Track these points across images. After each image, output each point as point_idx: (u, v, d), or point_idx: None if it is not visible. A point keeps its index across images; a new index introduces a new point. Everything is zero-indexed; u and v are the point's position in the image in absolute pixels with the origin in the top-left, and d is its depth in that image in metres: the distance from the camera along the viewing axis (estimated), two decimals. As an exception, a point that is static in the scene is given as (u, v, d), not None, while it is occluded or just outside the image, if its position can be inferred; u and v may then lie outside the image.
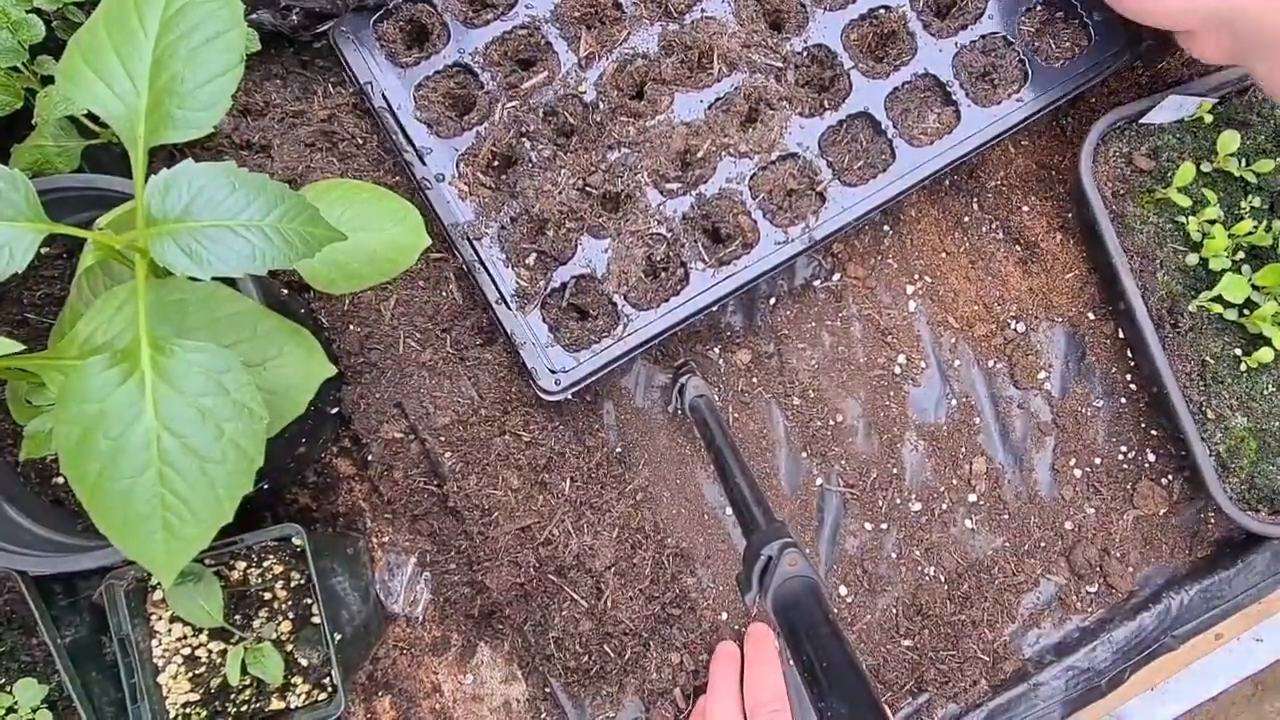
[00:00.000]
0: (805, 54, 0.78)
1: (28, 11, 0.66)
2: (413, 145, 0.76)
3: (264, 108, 0.80)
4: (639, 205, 0.75)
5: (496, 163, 0.78)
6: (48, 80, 0.68)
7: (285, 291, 0.76)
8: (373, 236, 0.60)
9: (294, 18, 0.77)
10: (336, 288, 0.60)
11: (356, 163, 0.80)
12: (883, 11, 0.78)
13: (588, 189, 0.75)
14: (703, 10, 0.77)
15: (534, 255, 0.75)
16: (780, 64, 0.77)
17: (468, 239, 0.75)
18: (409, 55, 0.78)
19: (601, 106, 0.76)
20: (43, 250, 0.69)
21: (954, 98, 0.77)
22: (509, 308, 0.74)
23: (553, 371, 0.74)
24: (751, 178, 0.76)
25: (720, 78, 0.77)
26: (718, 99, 0.77)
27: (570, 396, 0.75)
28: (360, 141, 0.80)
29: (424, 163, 0.76)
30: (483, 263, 0.75)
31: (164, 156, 0.74)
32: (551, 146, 0.76)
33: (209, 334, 0.52)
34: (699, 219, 0.76)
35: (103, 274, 0.58)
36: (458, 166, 0.76)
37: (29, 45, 0.66)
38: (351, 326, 0.79)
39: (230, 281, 0.56)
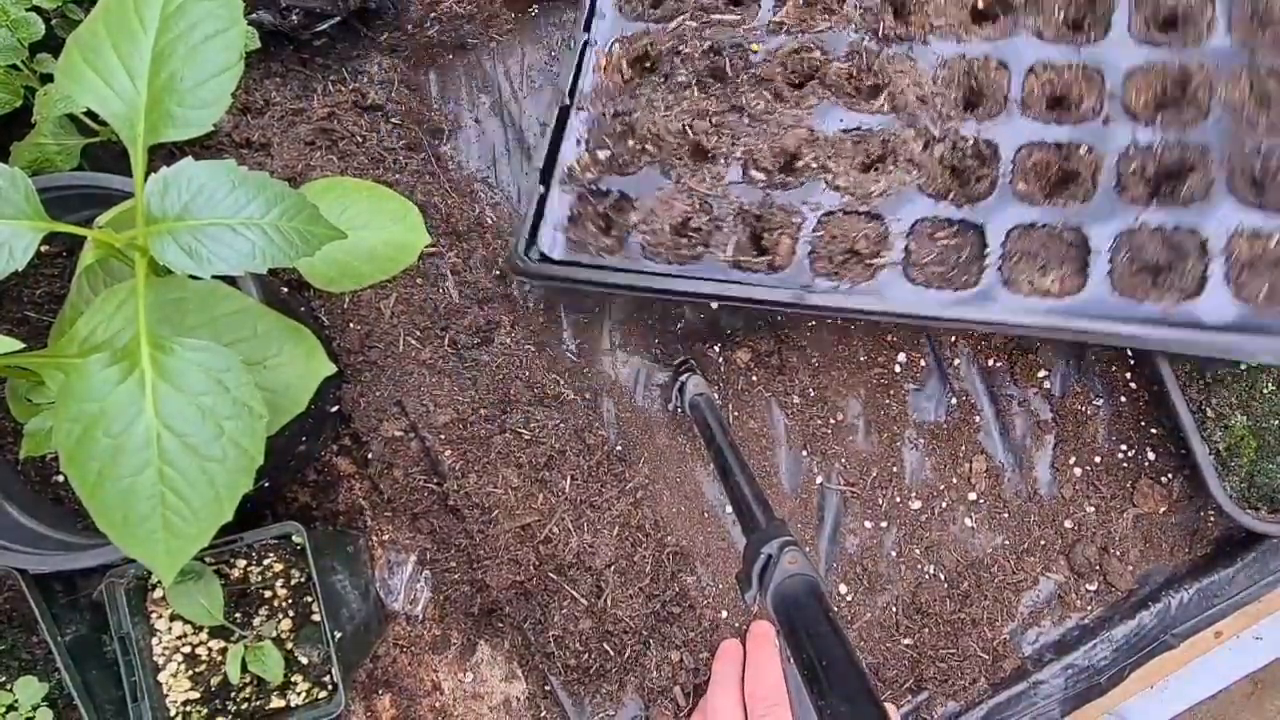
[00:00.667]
0: (972, 143, 0.71)
1: (27, 9, 0.66)
2: (593, 4, 0.77)
3: (264, 106, 0.80)
4: (715, 171, 0.73)
5: (648, 64, 0.78)
6: (47, 78, 0.69)
7: (285, 290, 0.76)
8: (373, 235, 0.60)
9: (294, 17, 0.77)
10: (336, 286, 0.60)
11: (356, 161, 0.80)
12: (1082, 152, 0.68)
13: (688, 129, 0.74)
14: (909, 50, 0.73)
15: (609, 152, 0.75)
16: (938, 135, 0.71)
17: (570, 103, 0.76)
18: None
19: (758, 72, 0.75)
20: (42, 249, 0.69)
21: (1089, 269, 0.65)
22: (542, 181, 0.75)
23: (539, 253, 0.73)
24: (828, 214, 0.70)
25: (875, 111, 0.72)
26: (858, 128, 0.72)
27: (533, 280, 0.74)
28: (360, 139, 0.80)
29: (591, 22, 0.77)
30: (562, 126, 0.75)
31: (164, 155, 0.74)
32: (693, 78, 0.75)
33: (209, 332, 0.52)
34: (753, 216, 0.72)
35: (103, 272, 0.58)
36: (613, 44, 0.76)
37: (28, 43, 0.66)
38: (351, 325, 0.79)
39: (230, 280, 0.56)
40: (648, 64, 0.78)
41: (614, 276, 0.73)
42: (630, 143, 0.75)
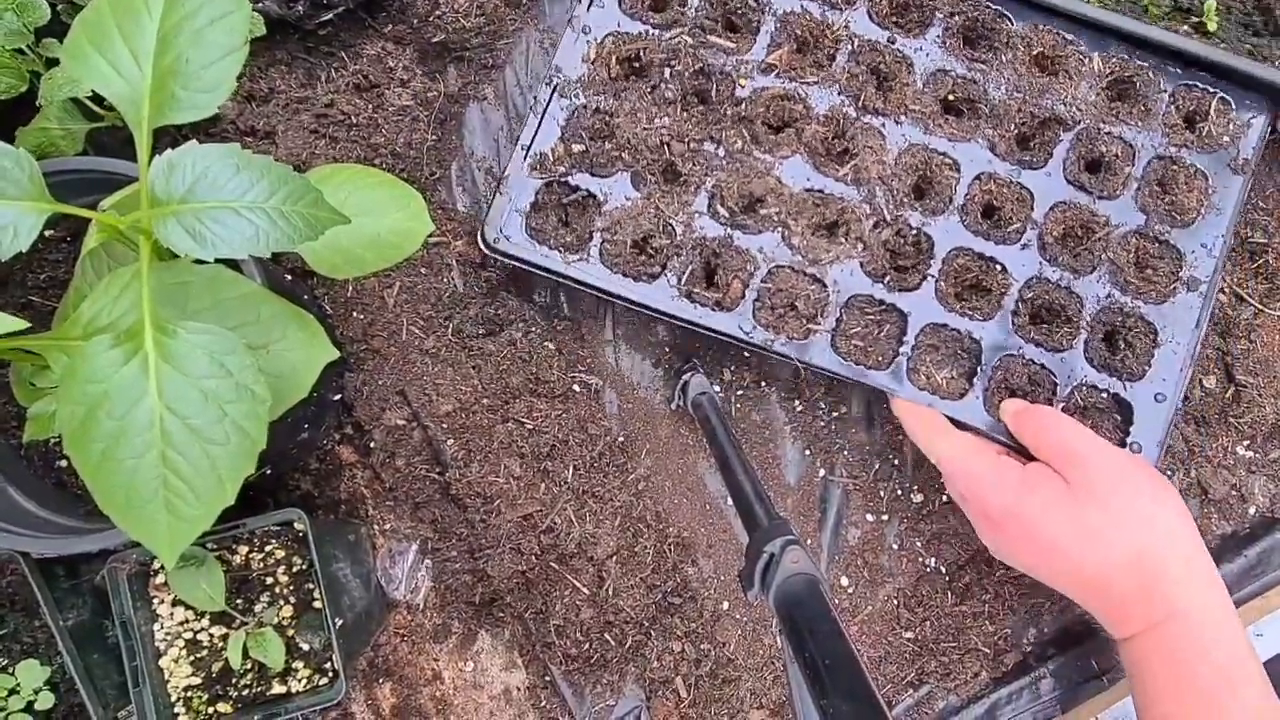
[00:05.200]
0: (914, 233, 0.74)
1: (33, -7, 0.66)
2: None
3: (268, 94, 0.80)
4: (684, 196, 0.74)
5: (637, 66, 0.77)
6: (53, 63, 0.69)
7: (289, 277, 0.76)
8: (376, 221, 0.60)
9: (300, 6, 0.77)
10: (340, 273, 0.60)
11: (360, 149, 0.79)
12: (997, 270, 0.74)
13: (665, 147, 0.74)
14: (883, 125, 0.75)
15: (584, 148, 0.74)
16: (889, 219, 0.74)
17: (553, 84, 0.75)
18: None
19: (742, 110, 0.75)
20: (46, 233, 0.69)
21: (975, 380, 0.73)
22: (523, 157, 0.74)
23: (501, 231, 0.73)
24: (778, 267, 0.73)
25: (840, 178, 0.74)
26: (822, 190, 0.74)
27: (490, 257, 0.74)
28: (364, 128, 0.80)
29: (590, 8, 0.76)
30: (545, 109, 0.74)
31: (168, 140, 0.74)
32: (679, 96, 0.75)
33: (213, 316, 0.52)
34: (711, 251, 0.74)
35: (107, 256, 0.58)
36: (606, 38, 0.75)
37: (34, 28, 0.66)
38: (354, 313, 0.79)
39: (234, 265, 0.56)
40: (637, 66, 0.77)
41: (571, 270, 0.73)
42: (608, 145, 0.75)
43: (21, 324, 0.47)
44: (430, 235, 0.63)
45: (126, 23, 0.50)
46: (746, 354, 0.82)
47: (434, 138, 0.82)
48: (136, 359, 0.47)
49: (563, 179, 0.74)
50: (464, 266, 0.81)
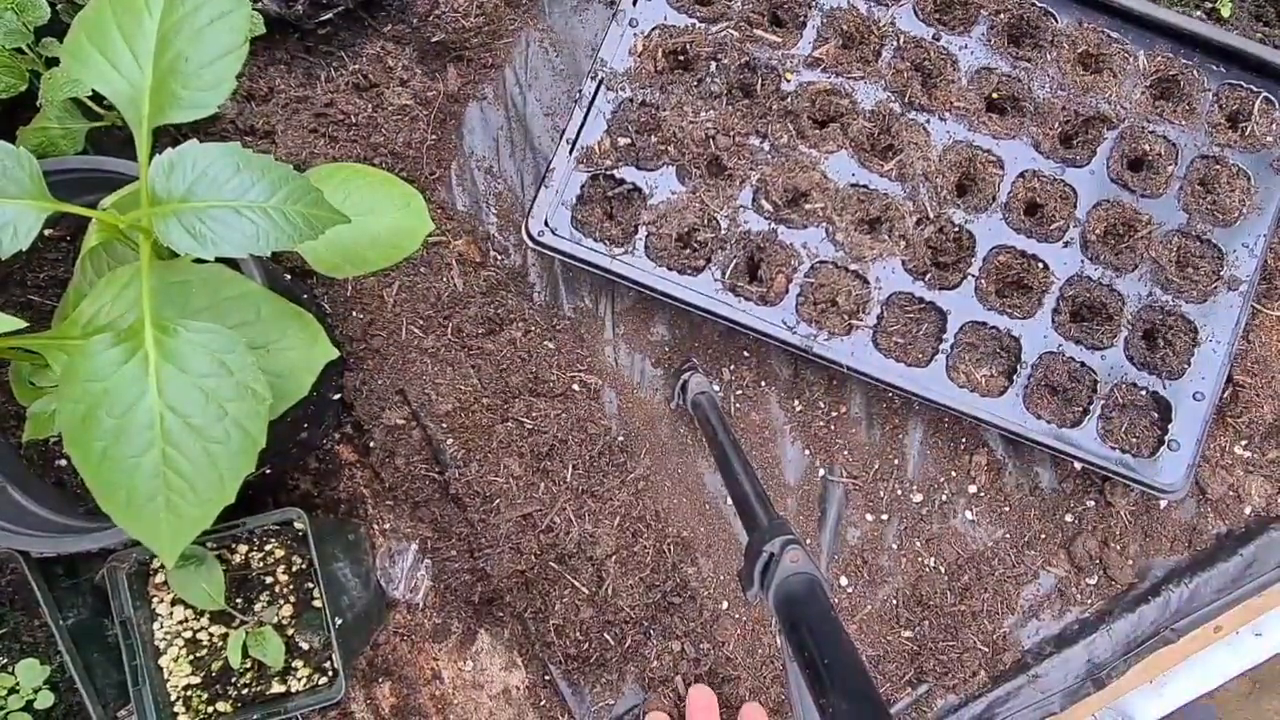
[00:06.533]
0: (957, 230, 0.74)
1: (33, -7, 0.66)
2: None
3: (268, 93, 0.80)
4: (729, 190, 0.74)
5: (682, 59, 0.77)
6: (52, 62, 0.69)
7: (289, 277, 0.76)
8: (376, 220, 0.60)
9: (299, 5, 0.77)
10: (340, 272, 0.60)
11: (360, 148, 0.80)
12: (1039, 268, 0.74)
13: (711, 141, 0.74)
14: (928, 122, 0.75)
15: (629, 141, 0.74)
16: (932, 215, 0.74)
17: (598, 78, 0.74)
18: None
19: (788, 104, 0.75)
20: (46, 232, 0.69)
21: (1015, 377, 0.73)
22: (568, 151, 0.74)
23: (546, 225, 0.73)
24: (821, 262, 0.73)
25: (885, 174, 0.74)
26: (867, 185, 0.74)
27: (540, 250, 0.74)
28: (364, 127, 0.80)
29: (637, 2, 0.75)
30: (590, 102, 0.74)
31: (168, 140, 0.74)
32: (725, 89, 0.75)
33: (213, 315, 0.52)
34: (755, 245, 0.74)
35: (106, 255, 0.58)
36: (654, 30, 0.75)
37: (34, 27, 0.66)
38: (354, 313, 0.79)
39: (234, 265, 0.56)
40: (682, 59, 0.77)
41: (615, 265, 0.73)
42: (654, 139, 0.75)
43: (21, 323, 0.47)
44: (430, 235, 0.63)
45: (127, 22, 0.50)
46: (746, 353, 0.82)
47: (434, 137, 0.82)
48: (136, 358, 0.47)
49: (609, 172, 0.74)
50: (464, 266, 0.81)
